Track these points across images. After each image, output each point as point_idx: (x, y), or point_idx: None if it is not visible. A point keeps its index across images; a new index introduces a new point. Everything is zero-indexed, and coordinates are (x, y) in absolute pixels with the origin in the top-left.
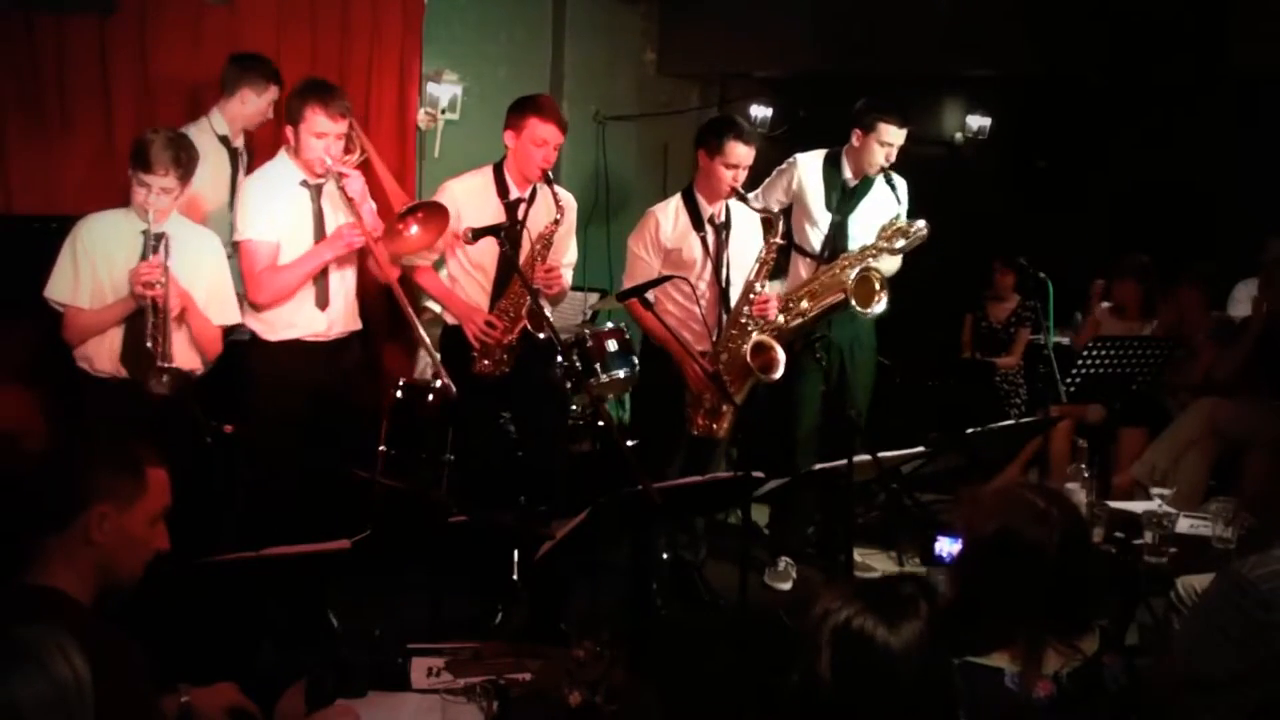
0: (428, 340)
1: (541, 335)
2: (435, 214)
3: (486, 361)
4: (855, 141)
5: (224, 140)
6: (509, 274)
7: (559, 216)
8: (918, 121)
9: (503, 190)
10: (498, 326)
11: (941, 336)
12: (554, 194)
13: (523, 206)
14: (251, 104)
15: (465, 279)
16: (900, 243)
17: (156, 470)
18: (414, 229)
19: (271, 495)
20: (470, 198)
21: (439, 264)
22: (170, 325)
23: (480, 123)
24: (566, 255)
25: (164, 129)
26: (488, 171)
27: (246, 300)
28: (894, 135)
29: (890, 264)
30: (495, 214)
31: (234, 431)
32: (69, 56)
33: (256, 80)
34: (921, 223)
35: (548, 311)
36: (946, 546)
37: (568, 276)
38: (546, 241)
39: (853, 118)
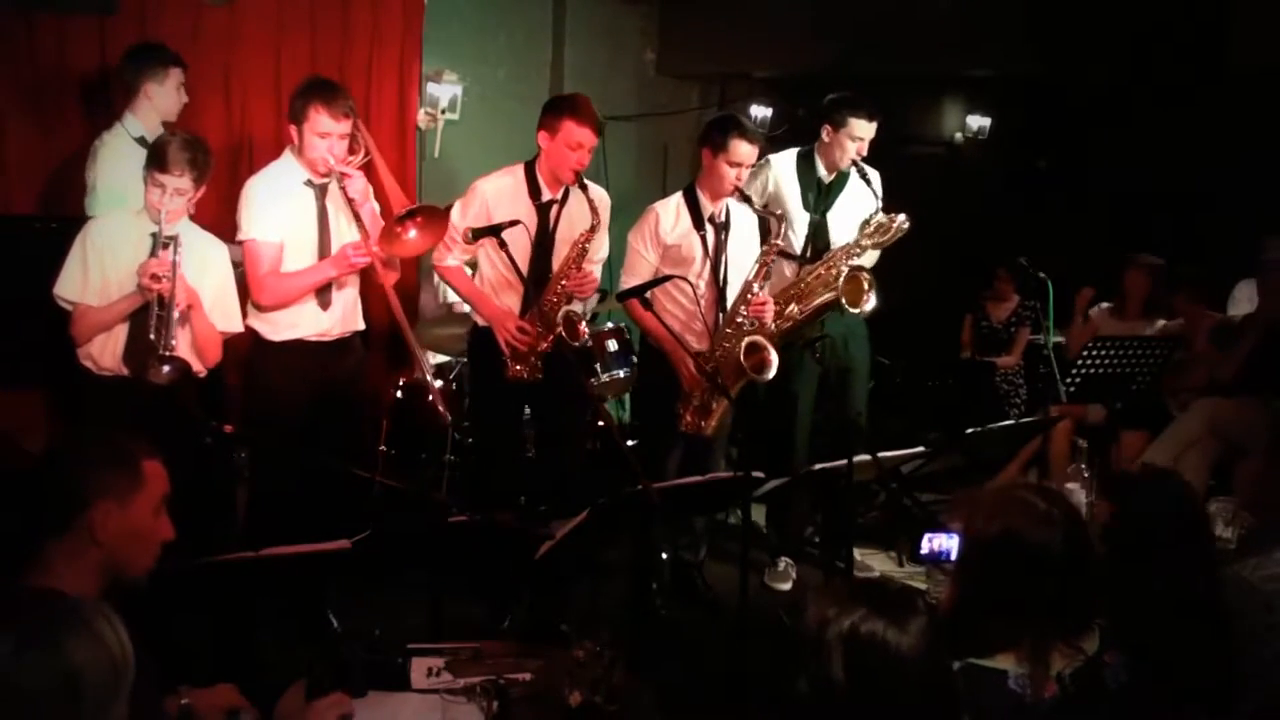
0: (418, 346)
1: (577, 343)
2: (434, 218)
3: (519, 367)
4: (825, 137)
5: (142, 141)
6: (543, 277)
7: (595, 222)
8: (918, 121)
9: (534, 191)
10: (530, 332)
11: (941, 336)
12: (589, 198)
13: (555, 208)
14: (159, 95)
15: (498, 281)
16: (882, 238)
17: (151, 461)
18: (412, 233)
19: (272, 495)
20: (500, 198)
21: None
22: (175, 320)
23: (480, 123)
24: (600, 251)
25: (180, 131)
26: (518, 171)
27: (249, 300)
28: (864, 130)
29: (869, 256)
30: (526, 215)
31: (234, 431)
32: (69, 56)
33: (154, 70)
34: (902, 216)
35: (584, 324)
36: (942, 543)
37: (598, 272)
38: (583, 248)
39: (821, 114)
